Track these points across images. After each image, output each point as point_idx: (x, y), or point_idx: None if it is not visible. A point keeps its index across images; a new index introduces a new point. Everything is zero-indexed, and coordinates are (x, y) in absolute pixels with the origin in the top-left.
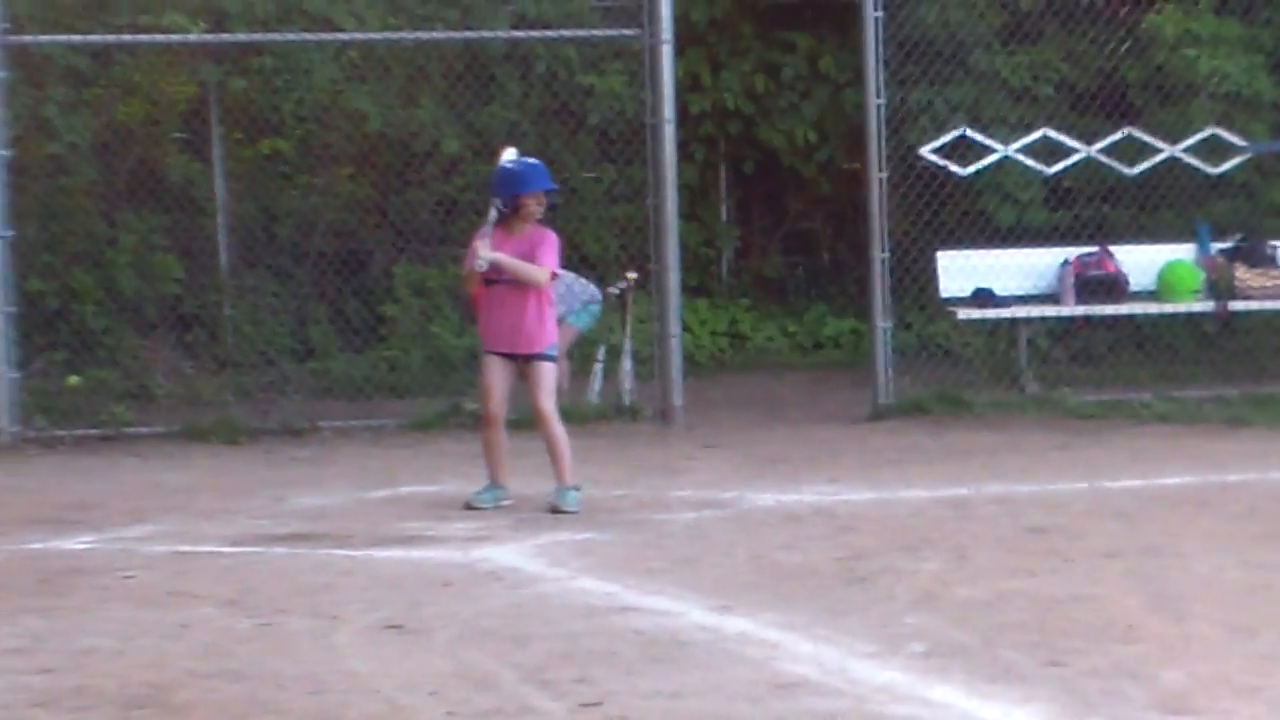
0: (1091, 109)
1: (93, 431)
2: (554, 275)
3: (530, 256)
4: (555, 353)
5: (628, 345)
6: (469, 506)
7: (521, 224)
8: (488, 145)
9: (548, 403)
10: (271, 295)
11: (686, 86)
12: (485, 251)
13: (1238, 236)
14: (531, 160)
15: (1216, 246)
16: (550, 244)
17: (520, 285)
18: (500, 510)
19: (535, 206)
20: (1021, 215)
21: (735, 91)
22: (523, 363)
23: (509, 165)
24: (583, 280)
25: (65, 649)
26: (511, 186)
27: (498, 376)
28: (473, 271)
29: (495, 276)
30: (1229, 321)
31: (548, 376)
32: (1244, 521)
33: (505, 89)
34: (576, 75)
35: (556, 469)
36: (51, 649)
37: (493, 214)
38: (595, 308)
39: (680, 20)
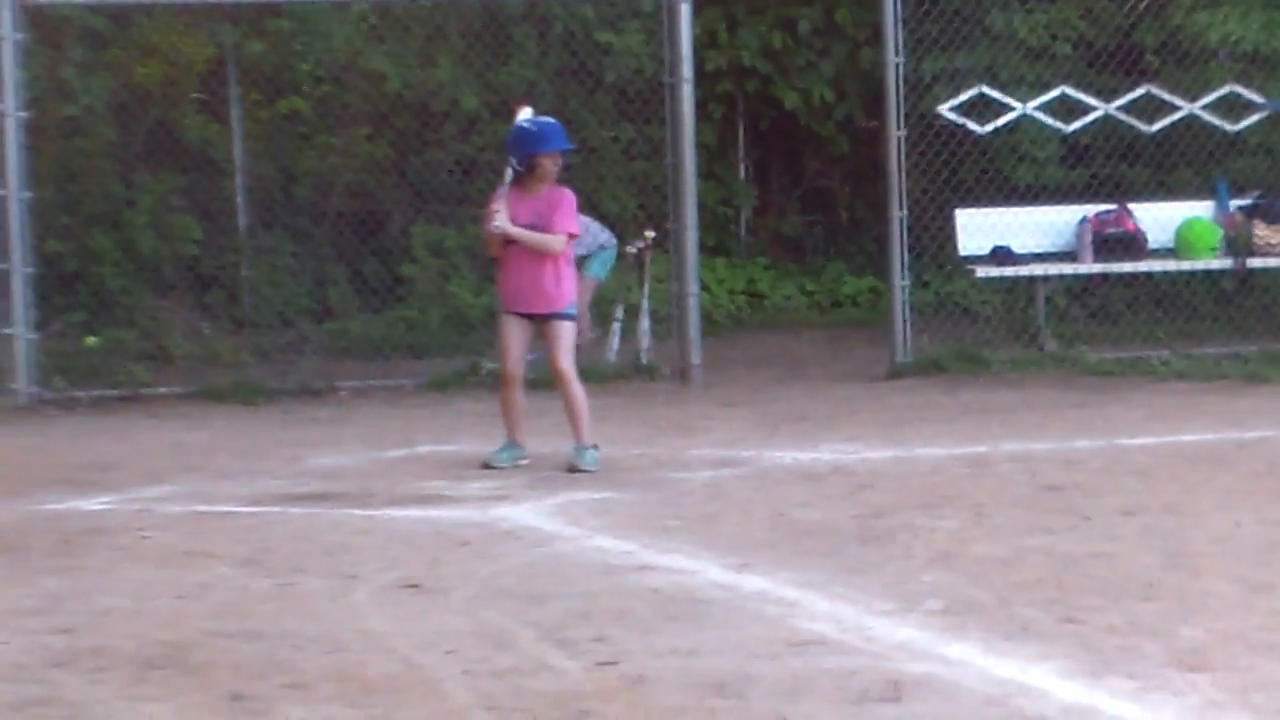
0: (1110, 67)
1: (110, 392)
2: (571, 236)
3: (548, 217)
4: (574, 311)
5: (645, 304)
6: (486, 465)
7: (538, 184)
8: (505, 105)
9: (566, 361)
10: (289, 255)
11: (703, 44)
12: (501, 220)
13: (1256, 193)
14: (548, 119)
15: (1235, 203)
16: (568, 205)
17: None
18: (518, 469)
19: (551, 166)
20: (1040, 173)
21: (752, 49)
22: (541, 322)
23: (525, 125)
24: (597, 224)
25: (83, 609)
26: (527, 146)
27: (516, 336)
28: (490, 234)
29: (514, 238)
30: (1247, 278)
31: (566, 335)
32: (1262, 478)
33: (523, 48)
34: (594, 33)
35: (574, 428)
36: (69, 609)
37: (509, 174)
38: (610, 252)
39: None
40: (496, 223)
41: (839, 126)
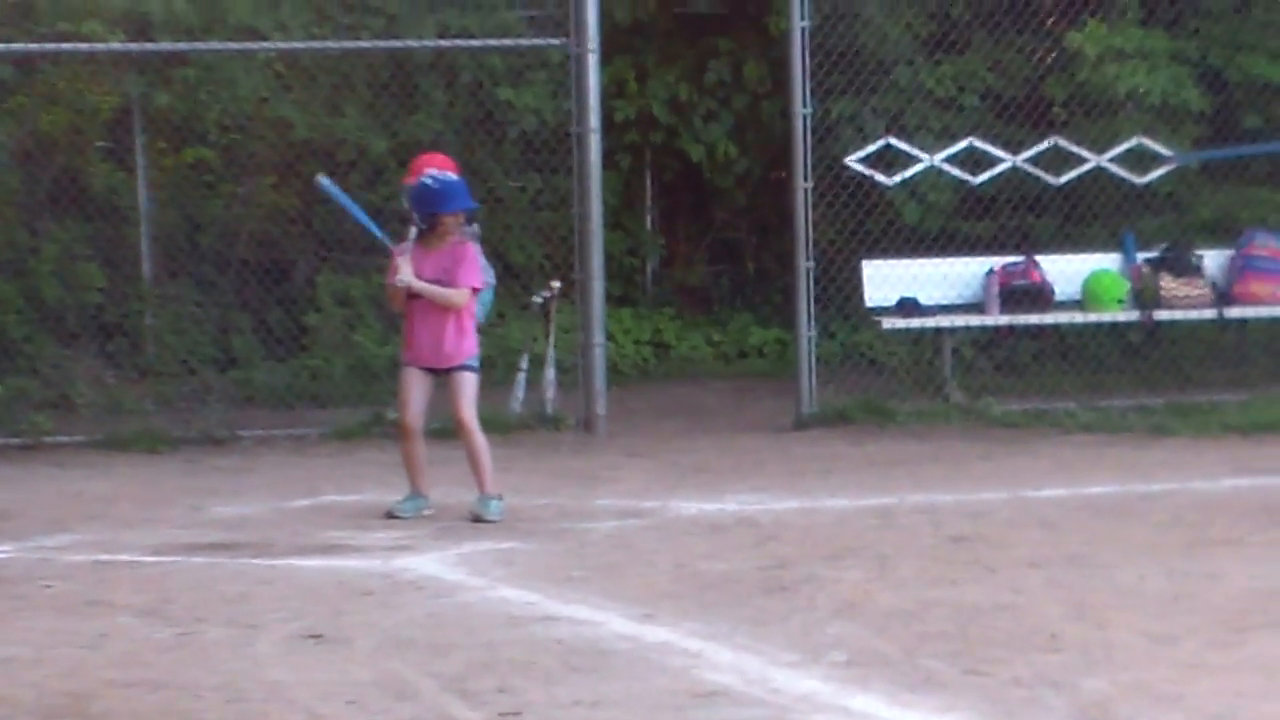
0: (1017, 119)
1: (13, 440)
2: (475, 291)
3: (452, 272)
4: (476, 363)
5: (551, 354)
6: (390, 515)
7: (439, 240)
8: (412, 154)
9: (468, 412)
10: (194, 304)
11: (612, 94)
12: (405, 273)
13: (1163, 246)
14: (451, 177)
15: (1142, 256)
16: (471, 259)
17: (429, 301)
18: (421, 519)
19: (454, 224)
20: (946, 224)
21: (661, 99)
22: (443, 373)
23: (428, 182)
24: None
25: None
26: (431, 204)
27: (416, 388)
28: (395, 286)
29: (417, 292)
30: (1154, 331)
31: (468, 386)
32: (1167, 530)
33: (430, 98)
34: (500, 86)
35: (478, 478)
36: None
37: (412, 231)
38: (488, 295)
39: (606, 28)
40: (400, 276)
41: (739, 180)
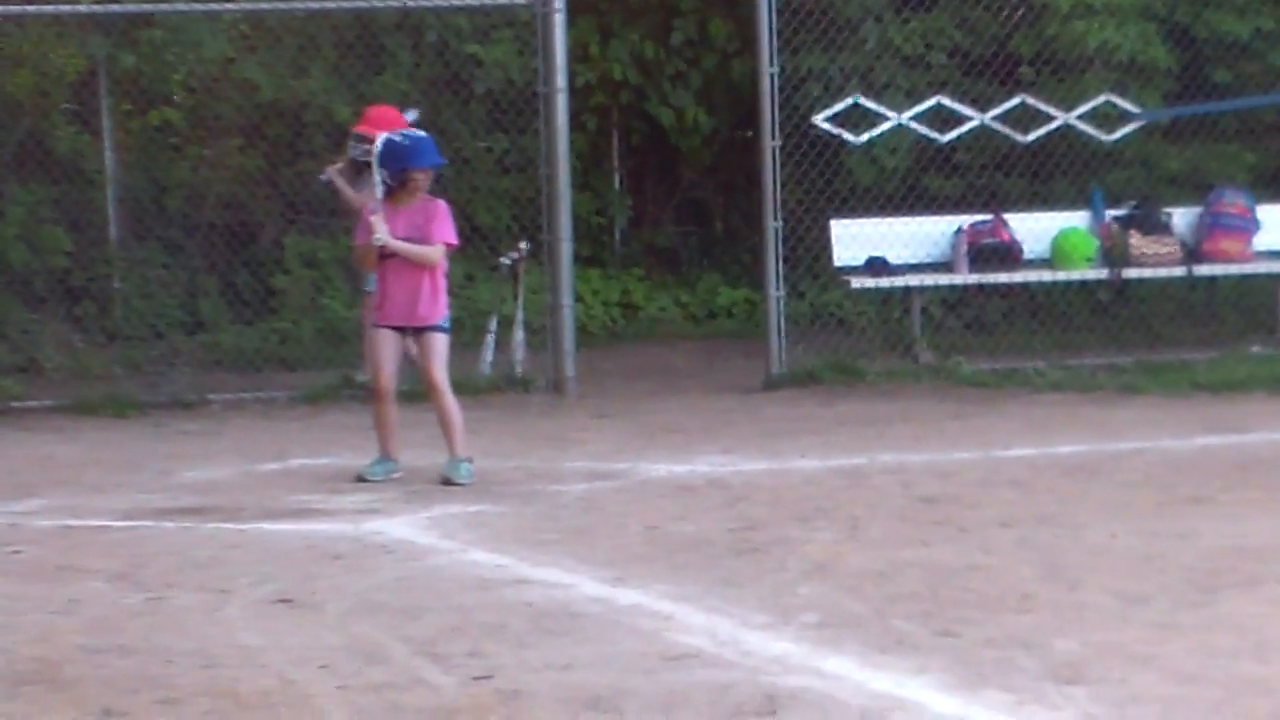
0: (985, 76)
1: None
2: (450, 246)
3: (425, 229)
4: (448, 324)
5: (519, 316)
6: (360, 479)
7: (409, 197)
8: None
9: (440, 374)
10: (161, 267)
11: (577, 56)
12: (382, 231)
13: (1132, 204)
14: (420, 133)
15: (1110, 214)
16: (444, 215)
17: (403, 259)
18: (391, 482)
19: (424, 180)
20: (915, 182)
21: (624, 62)
22: (414, 334)
23: (396, 139)
24: None
25: None
26: (400, 160)
27: (388, 350)
28: (369, 246)
29: (390, 250)
30: (1123, 289)
31: (440, 347)
32: (1137, 490)
33: (396, 58)
34: (466, 45)
35: (448, 440)
36: None
37: (380, 187)
38: None
39: None
40: (378, 234)
41: (706, 139)
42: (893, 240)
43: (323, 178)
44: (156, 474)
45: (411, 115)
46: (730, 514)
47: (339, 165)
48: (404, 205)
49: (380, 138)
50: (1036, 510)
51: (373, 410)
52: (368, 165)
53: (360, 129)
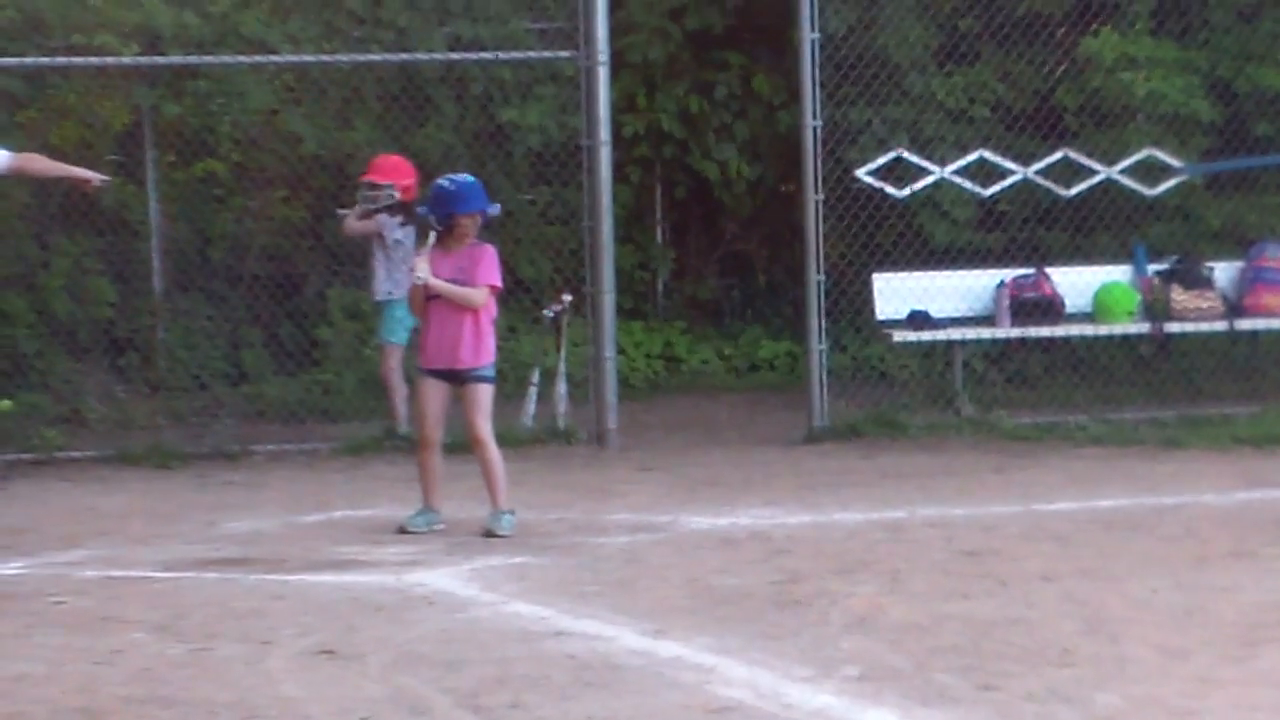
0: (1028, 130)
1: (24, 456)
2: (494, 289)
3: (470, 271)
4: (493, 373)
5: (562, 368)
6: (402, 530)
7: (457, 242)
8: (423, 168)
9: (484, 425)
10: (205, 319)
11: (621, 108)
12: (424, 272)
13: (1174, 258)
14: (467, 178)
15: (1152, 268)
16: (489, 259)
17: (450, 302)
18: (433, 534)
19: (471, 226)
20: (957, 236)
21: (670, 113)
22: (459, 384)
23: (444, 185)
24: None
25: None
26: (447, 206)
27: (434, 399)
28: (415, 290)
29: (434, 292)
30: (1164, 343)
31: (484, 398)
32: (1179, 544)
33: (441, 111)
34: (510, 101)
35: (491, 493)
36: None
37: (431, 235)
38: (400, 311)
39: (617, 46)
40: (419, 274)
41: (750, 187)
42: (935, 294)
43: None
44: (199, 525)
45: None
46: (772, 567)
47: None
48: (452, 250)
49: (436, 182)
50: (1078, 564)
51: (418, 459)
52: (381, 210)
53: (369, 177)
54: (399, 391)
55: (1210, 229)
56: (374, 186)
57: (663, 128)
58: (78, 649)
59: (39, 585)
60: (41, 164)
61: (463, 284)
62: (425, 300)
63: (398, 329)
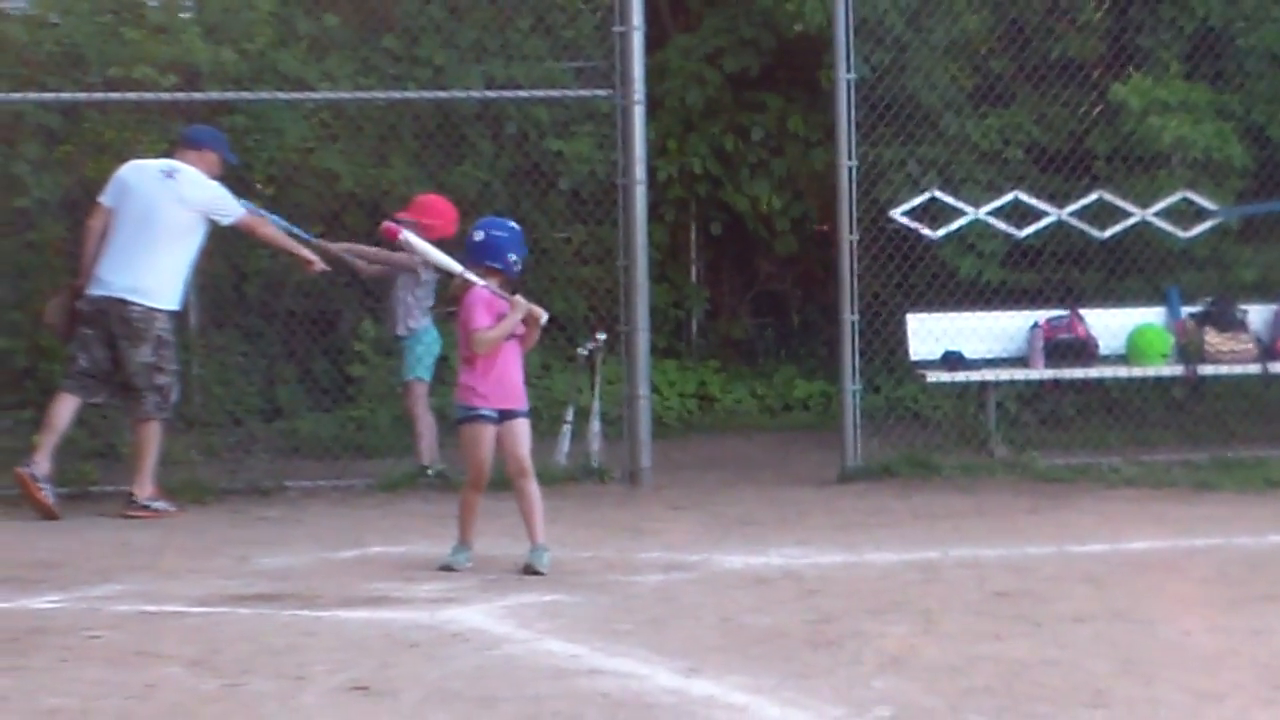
0: (1062, 172)
1: (60, 490)
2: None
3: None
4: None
5: (596, 406)
6: (446, 568)
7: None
8: (459, 205)
9: (528, 458)
10: (240, 354)
11: (655, 152)
12: (528, 304)
13: (1208, 300)
14: (512, 224)
15: (1186, 310)
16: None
17: (515, 342)
18: (467, 571)
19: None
20: (991, 277)
21: (703, 155)
22: (499, 421)
23: (502, 233)
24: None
25: (30, 709)
26: (520, 249)
27: (489, 442)
28: (498, 330)
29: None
30: (1198, 386)
31: (528, 431)
32: (1212, 586)
33: (476, 149)
34: (546, 138)
35: (530, 527)
36: (16, 709)
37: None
38: (420, 349)
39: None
40: (535, 308)
41: (793, 224)
42: (969, 335)
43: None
44: (233, 560)
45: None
46: (805, 606)
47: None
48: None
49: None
50: (1111, 606)
51: (464, 499)
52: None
53: (402, 215)
54: (430, 427)
55: (1242, 279)
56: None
57: (694, 171)
58: (112, 684)
59: (73, 619)
60: (269, 231)
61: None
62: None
63: (425, 364)
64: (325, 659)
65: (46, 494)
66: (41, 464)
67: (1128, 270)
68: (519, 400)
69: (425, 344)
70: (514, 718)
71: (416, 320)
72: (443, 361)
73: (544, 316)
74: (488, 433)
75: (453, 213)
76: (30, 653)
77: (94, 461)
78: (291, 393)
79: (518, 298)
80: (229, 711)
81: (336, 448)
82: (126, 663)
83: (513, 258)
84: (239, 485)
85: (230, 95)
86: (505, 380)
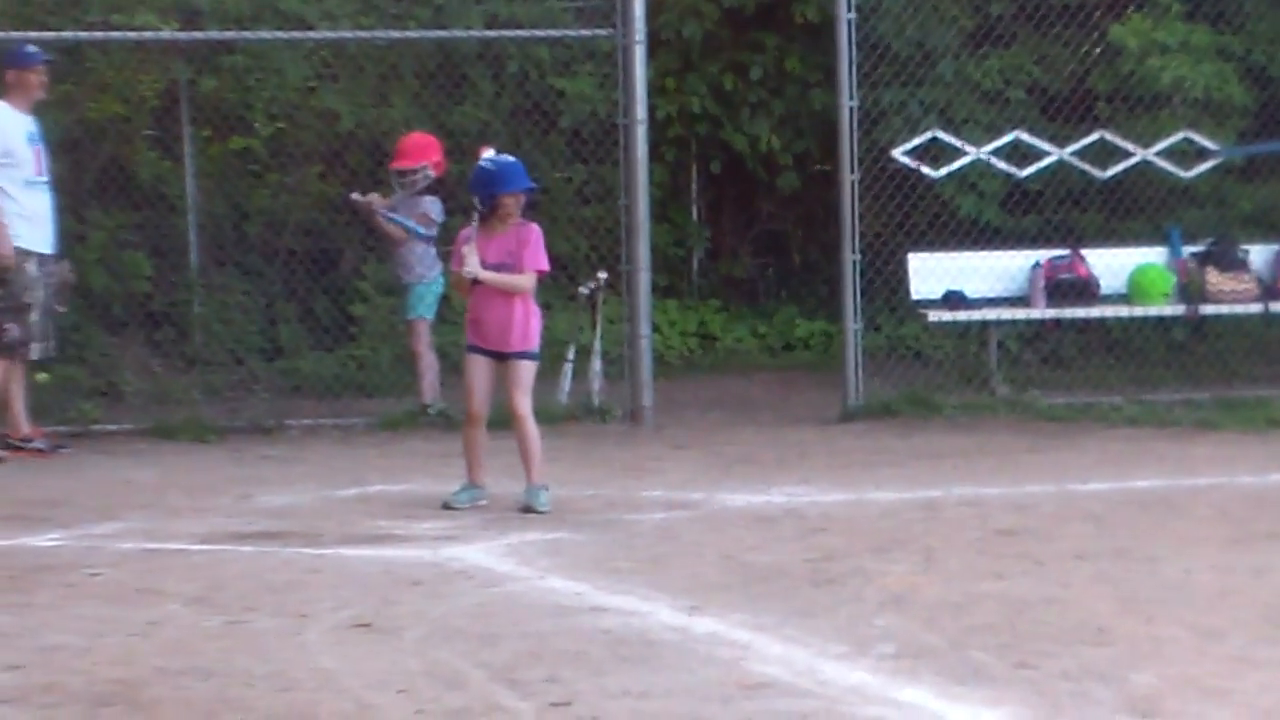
0: (1063, 112)
1: (61, 429)
2: (541, 274)
3: (518, 254)
4: (537, 351)
5: (597, 346)
6: (446, 506)
7: (501, 223)
8: (459, 145)
9: (525, 401)
10: (241, 293)
11: (655, 90)
12: (472, 264)
13: (1209, 240)
14: (508, 158)
15: (1188, 250)
16: (536, 241)
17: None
18: (470, 509)
19: (514, 205)
20: (992, 217)
21: (701, 95)
22: (502, 360)
23: (486, 165)
24: (434, 252)
25: (32, 646)
26: (489, 186)
27: (481, 375)
28: (460, 278)
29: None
30: (1199, 325)
31: (526, 375)
32: (1213, 525)
33: (477, 88)
34: (548, 77)
35: (527, 468)
36: (19, 646)
37: (475, 216)
38: (422, 288)
39: (652, 25)
40: (468, 268)
41: (795, 161)
42: (970, 274)
43: (354, 197)
44: (235, 498)
45: (488, 153)
46: (806, 545)
47: (380, 200)
48: (497, 232)
49: (489, 151)
50: (1112, 544)
51: (463, 434)
52: (419, 194)
53: (398, 165)
54: (432, 366)
55: (1242, 215)
56: (404, 173)
57: (693, 111)
58: (114, 621)
59: (75, 557)
60: None
61: (510, 268)
62: (472, 284)
63: (429, 305)
64: (327, 596)
65: (37, 445)
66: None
67: (1129, 210)
68: (503, 343)
69: (437, 285)
70: (517, 655)
71: (427, 268)
72: (444, 301)
73: (467, 271)
74: (474, 364)
75: (439, 148)
76: (33, 590)
77: (95, 400)
78: (293, 332)
79: (467, 249)
80: (231, 649)
81: (338, 386)
82: (129, 600)
83: (478, 197)
84: (240, 424)
85: (230, 34)
86: (481, 322)
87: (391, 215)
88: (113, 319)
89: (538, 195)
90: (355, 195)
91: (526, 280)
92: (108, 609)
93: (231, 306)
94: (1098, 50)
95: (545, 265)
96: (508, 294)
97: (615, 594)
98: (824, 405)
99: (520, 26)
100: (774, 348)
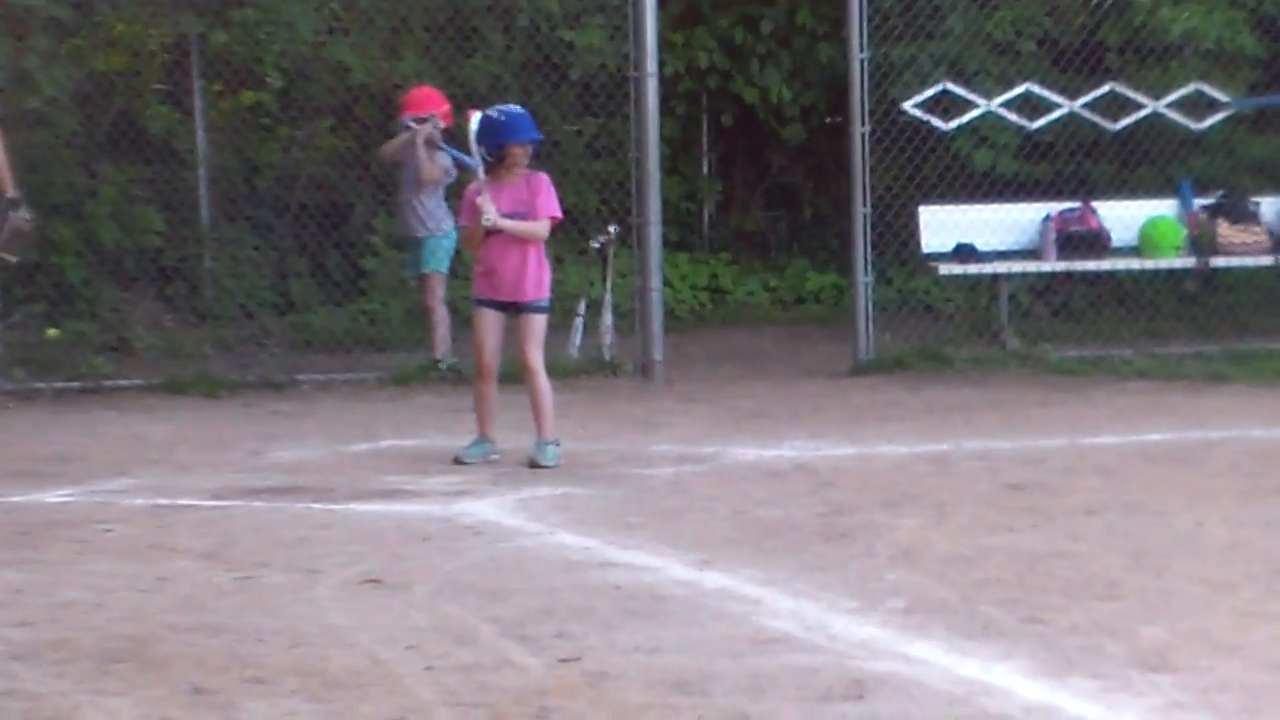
0: (1074, 65)
1: (72, 384)
2: (555, 220)
3: (530, 203)
4: (548, 303)
5: (608, 299)
6: (458, 461)
7: (509, 173)
8: (470, 98)
9: (536, 355)
10: (252, 248)
11: (665, 43)
12: (491, 213)
13: (1220, 192)
14: (515, 109)
15: (1199, 202)
16: (548, 190)
17: (510, 237)
18: (481, 464)
19: (522, 155)
20: (1003, 170)
21: (710, 48)
22: (514, 313)
23: (493, 115)
24: (444, 207)
25: (44, 602)
26: (498, 136)
27: (493, 330)
28: (476, 228)
29: (495, 229)
30: (1210, 278)
31: (538, 328)
32: (1224, 478)
33: (488, 41)
34: (558, 29)
35: (538, 423)
36: (30, 602)
37: (481, 168)
38: (434, 242)
39: None
40: (487, 216)
41: (802, 113)
42: (981, 227)
43: (411, 123)
44: (246, 454)
45: (475, 117)
46: (817, 499)
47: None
48: (506, 182)
49: (475, 115)
50: (1123, 498)
51: (474, 389)
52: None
53: (411, 112)
54: (444, 320)
55: (1256, 163)
56: (419, 120)
57: (701, 65)
58: (125, 576)
59: (87, 513)
60: None
61: (523, 216)
62: (485, 235)
63: (443, 258)
64: (338, 552)
65: None
66: None
67: (1140, 162)
68: (518, 292)
69: (449, 240)
70: (527, 610)
71: (439, 221)
72: (456, 255)
73: (486, 219)
74: (484, 318)
75: (445, 102)
76: (44, 546)
77: (106, 355)
78: (303, 286)
79: (481, 199)
80: (242, 604)
81: (348, 341)
82: (140, 556)
83: (485, 147)
84: (251, 379)
85: None
86: (495, 272)
87: (458, 153)
88: (124, 274)
89: (547, 149)
90: (412, 122)
91: (542, 227)
92: (119, 565)
93: (242, 261)
94: (1109, 1)
95: (559, 212)
96: (522, 244)
97: (625, 549)
98: (835, 359)
99: None
100: (785, 301)
